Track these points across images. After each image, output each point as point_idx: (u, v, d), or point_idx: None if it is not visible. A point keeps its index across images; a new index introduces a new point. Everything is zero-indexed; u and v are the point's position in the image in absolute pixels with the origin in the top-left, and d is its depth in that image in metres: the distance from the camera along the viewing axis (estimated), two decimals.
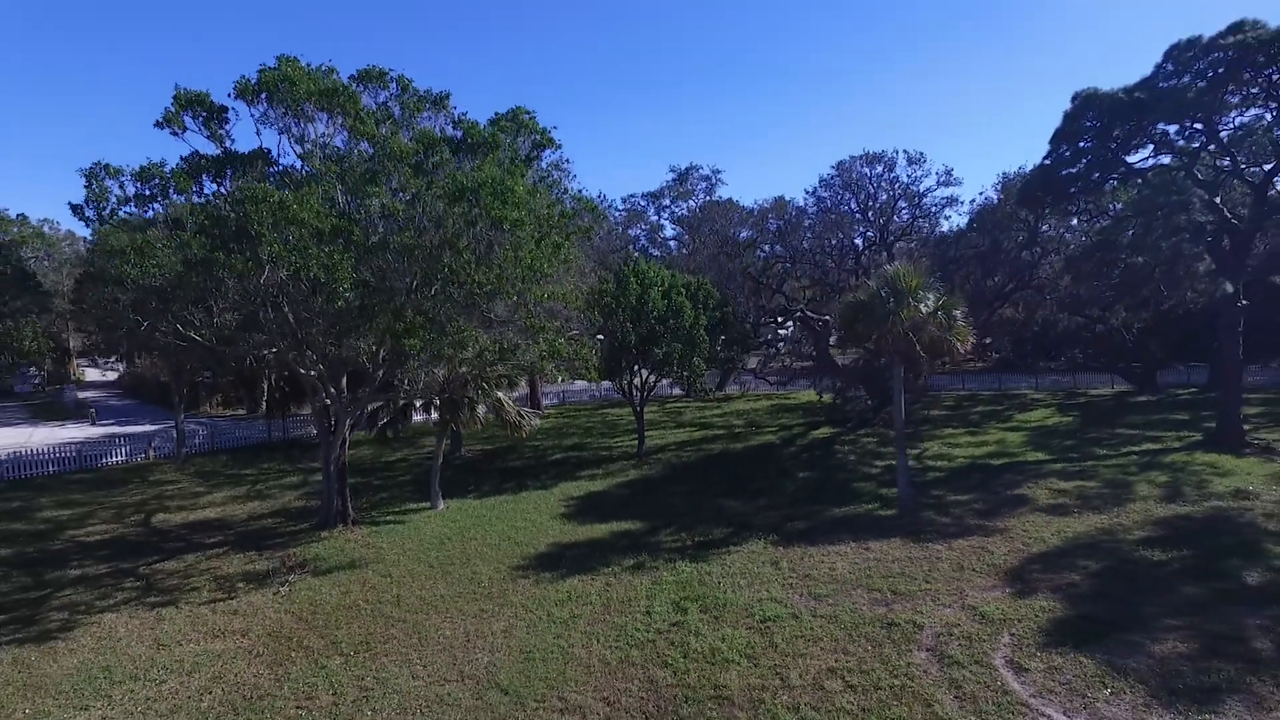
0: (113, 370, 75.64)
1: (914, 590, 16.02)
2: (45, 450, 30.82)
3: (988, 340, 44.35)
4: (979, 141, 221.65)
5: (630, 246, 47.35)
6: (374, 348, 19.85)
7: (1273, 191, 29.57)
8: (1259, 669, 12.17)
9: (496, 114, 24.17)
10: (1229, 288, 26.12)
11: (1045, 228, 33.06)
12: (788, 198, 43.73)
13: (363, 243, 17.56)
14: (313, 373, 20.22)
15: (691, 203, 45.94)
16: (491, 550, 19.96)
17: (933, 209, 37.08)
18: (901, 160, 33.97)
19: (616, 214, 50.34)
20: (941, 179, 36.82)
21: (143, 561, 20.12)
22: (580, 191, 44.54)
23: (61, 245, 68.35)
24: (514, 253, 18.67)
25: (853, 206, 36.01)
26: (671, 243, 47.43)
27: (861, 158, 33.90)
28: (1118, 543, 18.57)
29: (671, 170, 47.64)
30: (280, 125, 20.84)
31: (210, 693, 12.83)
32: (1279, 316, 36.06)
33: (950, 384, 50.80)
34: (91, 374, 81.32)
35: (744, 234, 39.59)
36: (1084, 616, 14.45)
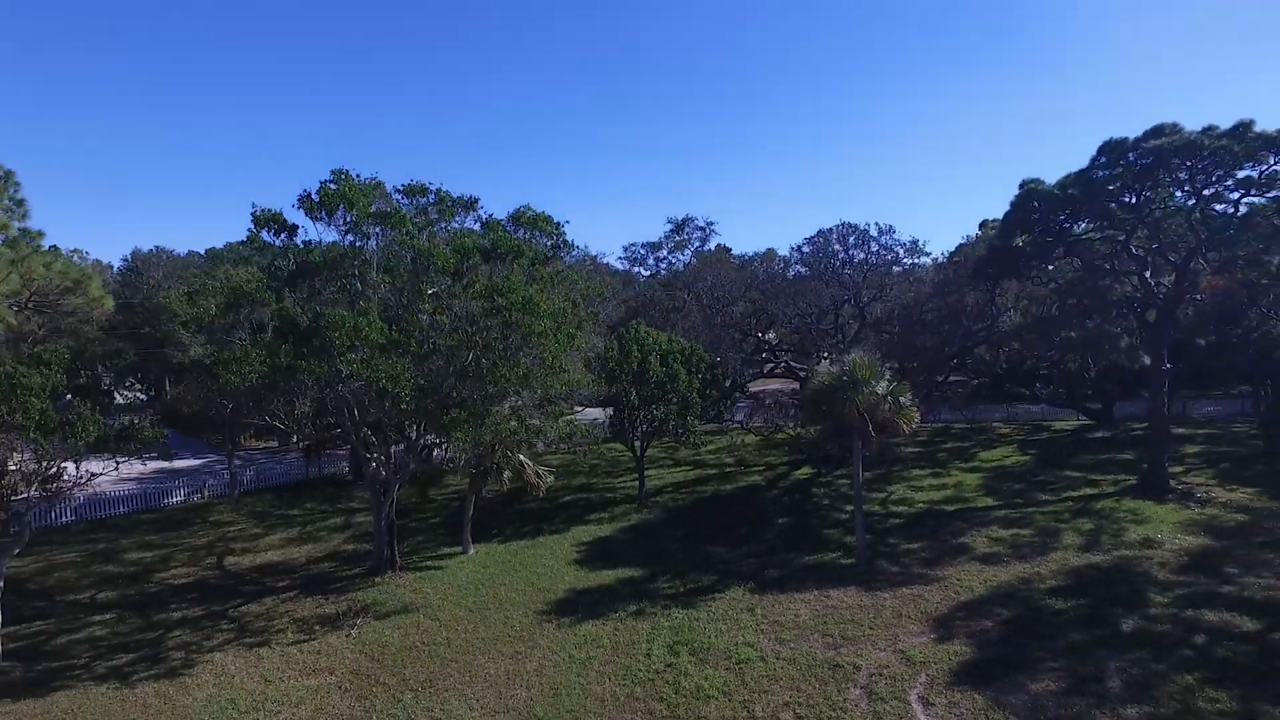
0: (138, 395, 79.41)
1: (859, 635, 20.21)
2: (117, 492, 34.94)
3: (960, 377, 48.43)
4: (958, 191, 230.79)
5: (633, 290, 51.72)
6: (422, 429, 24.02)
7: (1196, 263, 33.74)
8: (1104, 704, 16.37)
9: (518, 210, 28.47)
10: (1146, 360, 30.34)
11: (1000, 293, 37.28)
12: (778, 250, 48.06)
13: (417, 352, 21.74)
14: (372, 454, 24.38)
15: (687, 253, 50.15)
16: (519, 595, 24.14)
17: (899, 278, 41.34)
18: (874, 230, 38.30)
19: (618, 261, 54.76)
20: (908, 249, 41.07)
21: (229, 605, 24.28)
22: (595, 256, 48.85)
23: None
24: (538, 355, 22.87)
25: (834, 265, 40.25)
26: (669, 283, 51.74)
27: (838, 228, 38.11)
28: (1031, 592, 22.77)
29: (669, 221, 51.88)
30: (342, 238, 25.12)
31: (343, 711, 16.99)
32: (1230, 351, 40.10)
33: (929, 415, 55.00)
34: (117, 398, 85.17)
35: (731, 286, 43.76)
36: (986, 659, 18.65)
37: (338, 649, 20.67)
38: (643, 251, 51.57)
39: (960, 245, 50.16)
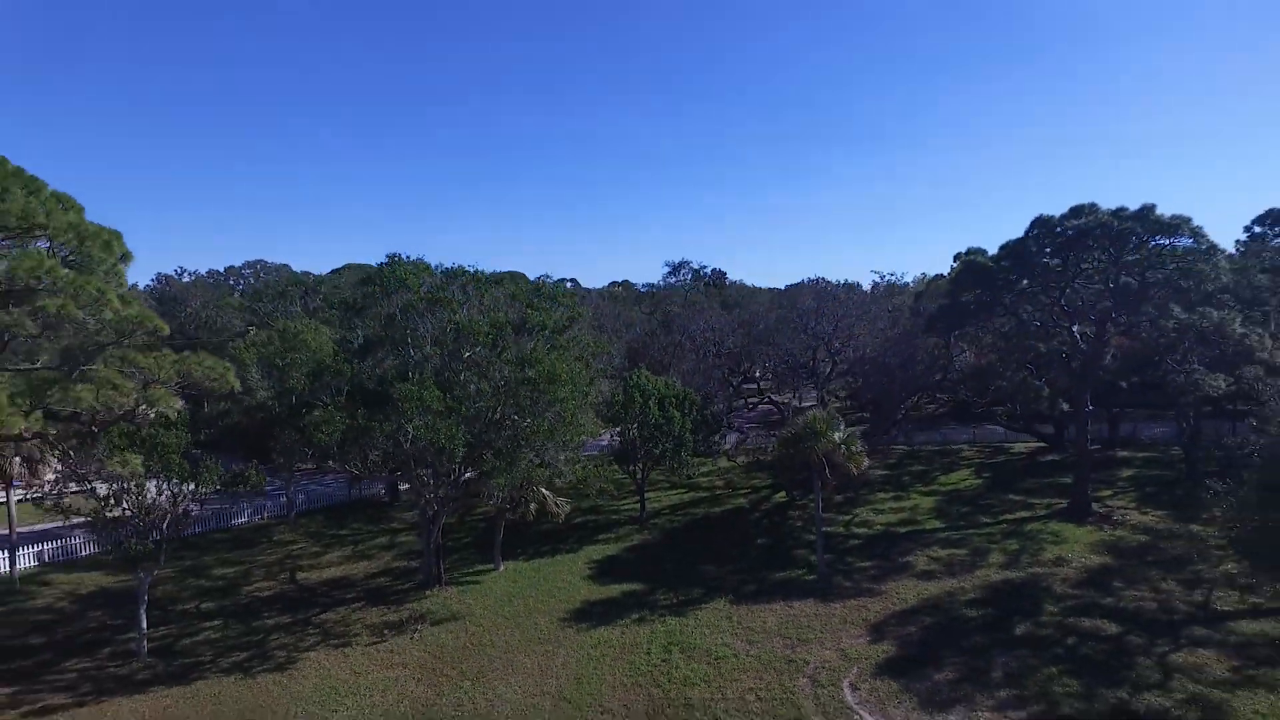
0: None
1: (811, 638, 26.04)
2: (194, 513, 40.67)
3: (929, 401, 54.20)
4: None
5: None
6: (463, 470, 29.85)
7: (1110, 324, 39.49)
8: (985, 689, 22.18)
9: (539, 281, 34.42)
10: (1065, 406, 36.16)
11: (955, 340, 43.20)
12: (778, 285, 53.98)
13: (465, 414, 27.57)
14: (424, 492, 30.19)
15: (683, 292, 56.02)
16: (544, 605, 29.94)
17: (866, 325, 47.30)
18: (841, 288, 44.11)
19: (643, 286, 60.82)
20: (883, 290, 46.98)
21: (310, 614, 30.07)
22: (622, 282, 54.56)
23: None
24: (559, 412, 28.71)
25: (804, 320, 46.24)
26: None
27: (809, 283, 43.99)
28: (953, 603, 28.58)
29: (666, 265, 57.90)
30: (398, 313, 30.97)
31: (401, 703, 22.79)
32: (1151, 391, 45.86)
33: (899, 440, 60.78)
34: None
35: (721, 328, 49.70)
36: (906, 656, 24.47)
37: (405, 648, 26.47)
38: (642, 290, 57.49)
39: (931, 281, 56.06)
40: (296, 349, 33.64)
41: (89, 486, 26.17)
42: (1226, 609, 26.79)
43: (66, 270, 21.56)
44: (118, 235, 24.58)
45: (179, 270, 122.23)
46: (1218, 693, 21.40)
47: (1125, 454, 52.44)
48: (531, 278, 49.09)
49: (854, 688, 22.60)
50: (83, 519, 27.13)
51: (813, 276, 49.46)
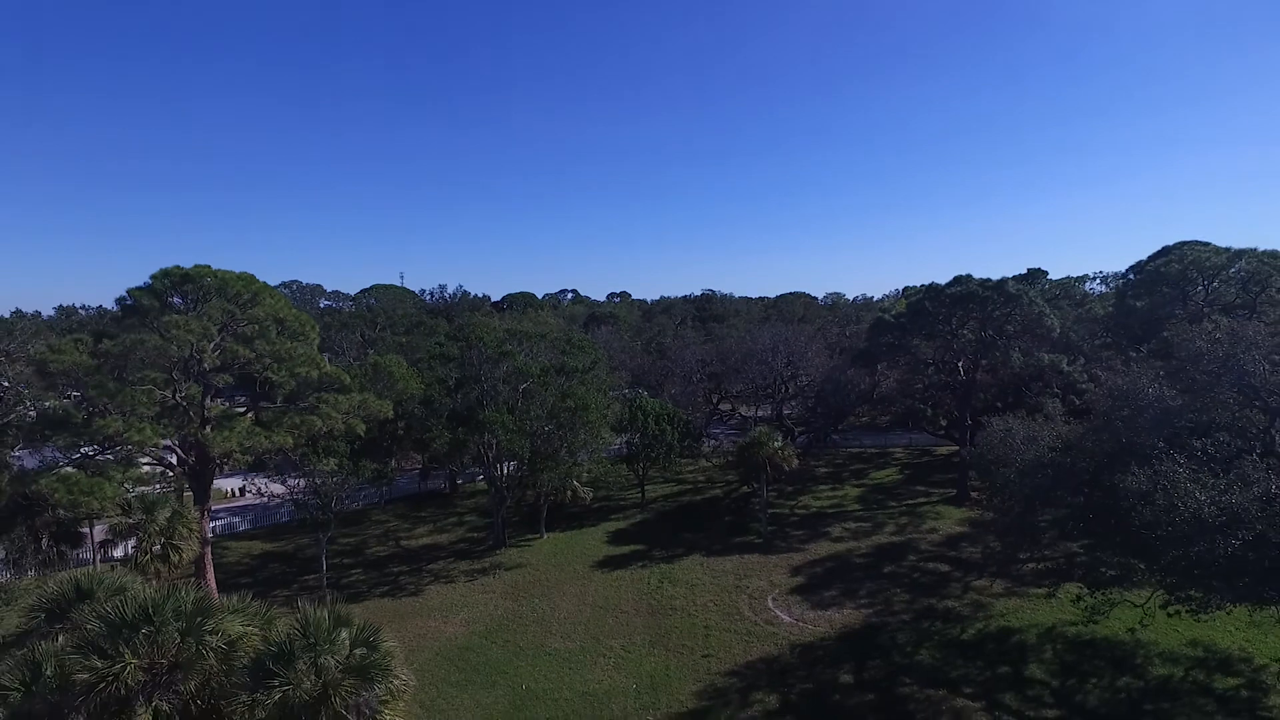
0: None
1: (752, 575, 40.56)
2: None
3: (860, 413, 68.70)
4: None
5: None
6: (523, 470, 44.31)
7: (978, 367, 53.98)
8: (851, 600, 36.72)
9: (569, 335, 48.78)
10: (997, 423, 50.65)
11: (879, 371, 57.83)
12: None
13: (528, 431, 42.00)
14: (497, 483, 44.56)
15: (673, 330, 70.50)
16: (578, 559, 44.37)
17: (809, 362, 61.95)
18: (825, 298, 58.52)
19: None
20: (843, 319, 61.46)
21: (419, 565, 44.44)
22: (640, 300, 68.79)
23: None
24: (588, 429, 43.16)
25: (764, 356, 60.80)
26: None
27: (797, 295, 58.46)
28: (849, 555, 43.14)
29: (661, 299, 72.29)
30: (478, 365, 45.40)
31: (497, 611, 37.24)
32: (1029, 399, 60.25)
33: (853, 440, 75.44)
34: None
35: (703, 358, 64.18)
36: (809, 584, 39.02)
37: (491, 584, 40.87)
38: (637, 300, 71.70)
39: (881, 312, 70.66)
40: (383, 380, 47.77)
41: (287, 478, 40.62)
42: (1022, 556, 41.34)
43: (303, 349, 36.12)
44: (312, 321, 39.22)
45: None
46: (990, 600, 36.00)
47: None
48: (539, 290, 63.22)
49: (774, 600, 37.14)
50: (263, 500, 41.52)
51: (798, 290, 64.04)
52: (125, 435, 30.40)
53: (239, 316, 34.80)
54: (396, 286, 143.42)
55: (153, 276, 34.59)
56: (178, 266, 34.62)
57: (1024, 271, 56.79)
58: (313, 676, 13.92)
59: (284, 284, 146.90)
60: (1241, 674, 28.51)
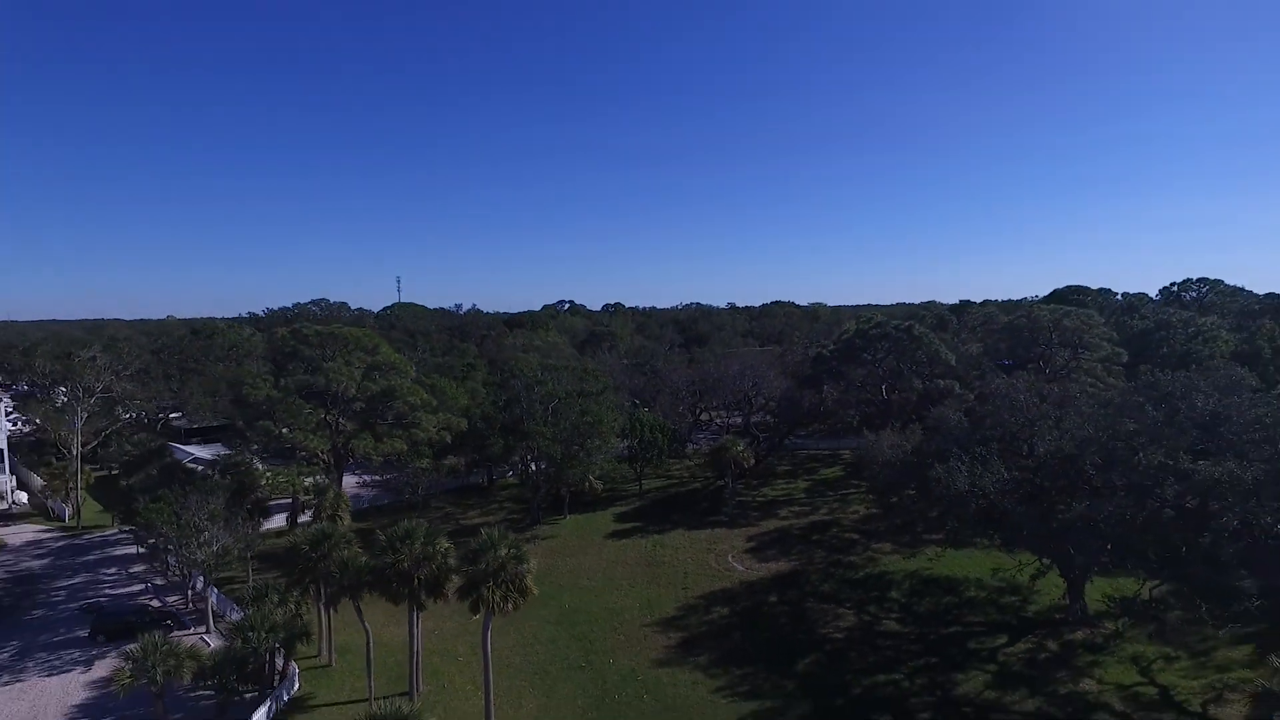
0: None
1: (720, 541, 57.23)
2: (383, 494, 71.05)
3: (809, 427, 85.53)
4: None
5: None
6: (554, 467, 60.69)
7: (897, 388, 70.84)
8: (785, 555, 53.38)
9: (583, 366, 65.30)
10: (871, 435, 67.51)
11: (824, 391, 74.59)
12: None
13: (560, 437, 58.41)
14: (534, 475, 60.85)
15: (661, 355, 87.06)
16: (593, 533, 60.81)
17: (769, 383, 78.58)
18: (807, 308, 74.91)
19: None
20: (806, 341, 78.14)
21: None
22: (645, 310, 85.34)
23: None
24: (601, 436, 59.61)
25: (735, 380, 77.40)
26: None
27: (778, 305, 74.51)
28: (789, 529, 59.84)
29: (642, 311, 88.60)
30: (522, 390, 61.87)
31: (540, 566, 53.40)
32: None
33: (813, 444, 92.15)
34: None
35: (687, 379, 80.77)
36: (758, 547, 55.74)
37: (534, 549, 56.63)
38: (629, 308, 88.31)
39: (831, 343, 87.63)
40: (440, 399, 63.68)
41: (365, 475, 56.93)
42: (895, 523, 58.15)
43: (406, 383, 52.54)
44: (408, 362, 55.77)
45: (267, 310, 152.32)
46: (880, 555, 52.72)
47: None
48: (536, 296, 79.42)
49: (733, 557, 53.69)
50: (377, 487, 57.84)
51: (782, 299, 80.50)
52: (305, 443, 46.59)
53: (368, 361, 51.09)
54: (416, 305, 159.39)
55: (308, 333, 50.82)
56: (327, 327, 50.84)
57: (956, 302, 73.57)
58: (497, 555, 30.30)
59: (314, 301, 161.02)
60: (1020, 593, 45.29)
